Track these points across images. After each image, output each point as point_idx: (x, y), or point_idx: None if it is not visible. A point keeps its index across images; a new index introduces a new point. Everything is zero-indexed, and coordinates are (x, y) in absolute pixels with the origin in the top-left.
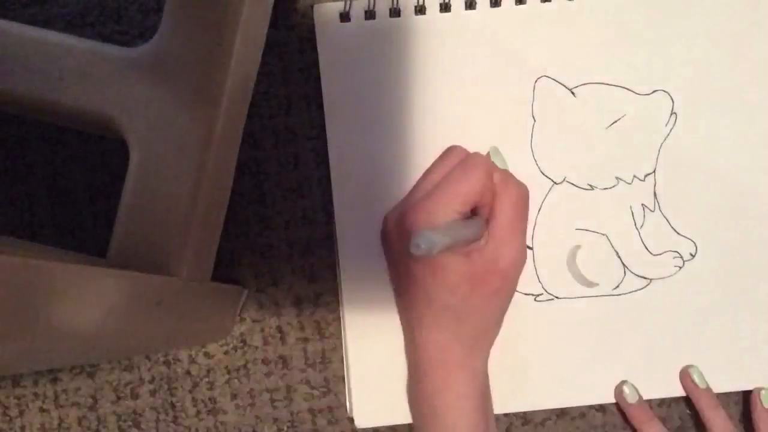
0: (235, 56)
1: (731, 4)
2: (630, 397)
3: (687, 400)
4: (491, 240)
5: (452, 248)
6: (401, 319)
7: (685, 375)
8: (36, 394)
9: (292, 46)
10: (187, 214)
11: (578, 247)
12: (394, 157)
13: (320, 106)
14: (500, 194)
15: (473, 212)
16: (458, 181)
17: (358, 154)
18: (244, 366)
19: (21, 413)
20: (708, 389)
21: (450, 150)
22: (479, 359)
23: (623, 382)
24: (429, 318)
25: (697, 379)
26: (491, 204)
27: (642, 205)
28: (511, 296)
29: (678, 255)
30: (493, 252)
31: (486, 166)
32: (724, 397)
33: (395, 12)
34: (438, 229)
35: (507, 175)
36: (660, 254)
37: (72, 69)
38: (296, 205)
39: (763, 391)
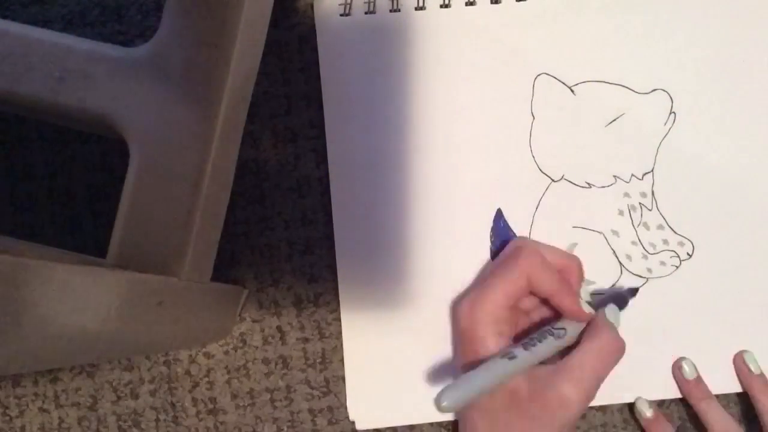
0: (235, 56)
1: (731, 4)
2: (688, 373)
3: (686, 401)
4: (563, 374)
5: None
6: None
7: (738, 359)
8: (36, 394)
9: (292, 46)
10: (187, 214)
11: (575, 245)
12: (391, 152)
13: (320, 106)
14: (596, 338)
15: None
16: (501, 276)
17: (356, 148)
18: (244, 366)
19: (21, 413)
20: (762, 375)
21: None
22: None
23: (682, 359)
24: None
25: (750, 364)
26: (564, 302)
27: (639, 203)
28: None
29: (675, 254)
30: (560, 387)
31: (529, 262)
32: (723, 398)
33: (395, 9)
34: (463, 382)
35: (607, 325)
36: (657, 253)
37: (72, 69)
38: (296, 205)
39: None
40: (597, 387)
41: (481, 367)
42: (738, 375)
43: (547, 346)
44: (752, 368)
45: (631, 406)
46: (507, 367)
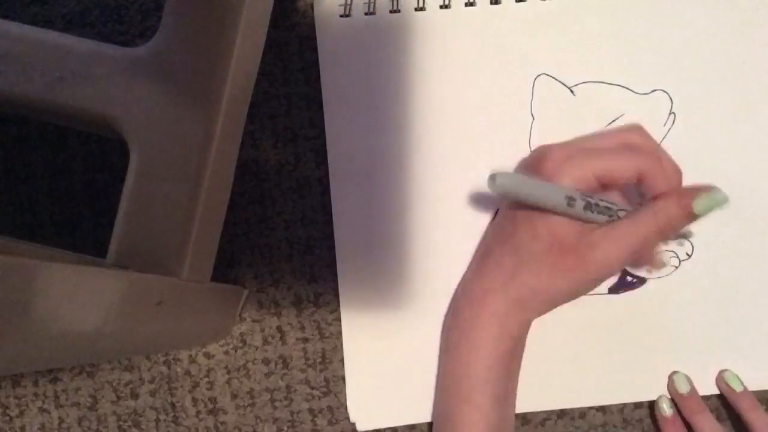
0: (235, 56)
1: (731, 4)
2: (682, 387)
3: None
4: (609, 231)
5: (534, 204)
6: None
7: (720, 380)
8: (36, 394)
9: (292, 46)
10: (187, 214)
11: None
12: (391, 152)
13: (320, 106)
14: (656, 214)
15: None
16: (614, 153)
17: (356, 148)
18: (244, 366)
19: (21, 413)
20: (746, 391)
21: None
22: (515, 321)
23: (674, 373)
24: (491, 260)
25: (733, 384)
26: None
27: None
28: (580, 291)
29: (674, 255)
30: (598, 240)
31: (651, 162)
32: (723, 399)
33: (395, 10)
34: (522, 176)
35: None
36: (656, 253)
37: (72, 69)
38: (296, 205)
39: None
40: (635, 255)
41: (541, 182)
42: (723, 394)
43: (603, 218)
44: (735, 387)
45: (631, 406)
46: (559, 202)
